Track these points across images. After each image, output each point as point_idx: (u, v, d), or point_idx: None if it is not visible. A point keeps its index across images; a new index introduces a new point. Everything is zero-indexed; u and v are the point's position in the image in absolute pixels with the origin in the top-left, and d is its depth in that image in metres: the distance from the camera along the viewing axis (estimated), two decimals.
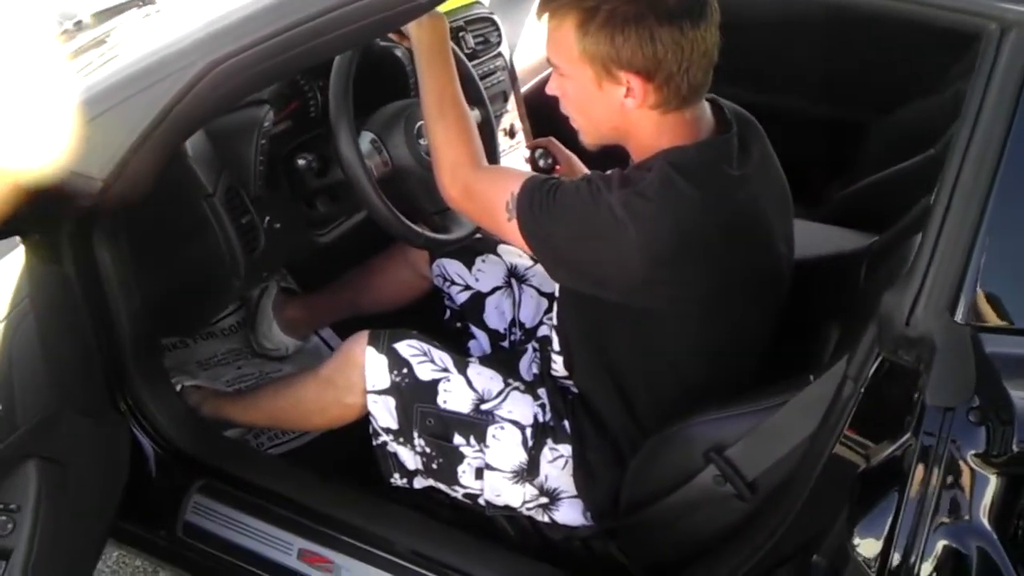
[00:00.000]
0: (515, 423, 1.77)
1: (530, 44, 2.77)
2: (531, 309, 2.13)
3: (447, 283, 2.19)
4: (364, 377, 1.80)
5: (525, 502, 1.79)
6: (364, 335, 1.84)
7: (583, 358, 1.77)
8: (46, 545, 1.50)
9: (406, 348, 1.81)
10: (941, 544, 1.21)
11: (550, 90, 1.63)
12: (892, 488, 1.24)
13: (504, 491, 1.78)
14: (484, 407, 1.78)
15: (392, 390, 1.79)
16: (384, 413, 1.80)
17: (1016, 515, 1.20)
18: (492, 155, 2.07)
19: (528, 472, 1.76)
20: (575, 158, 2.00)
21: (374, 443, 1.85)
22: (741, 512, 1.56)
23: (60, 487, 1.54)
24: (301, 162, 1.99)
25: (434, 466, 1.81)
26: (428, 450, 1.79)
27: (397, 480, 1.87)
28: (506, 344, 2.14)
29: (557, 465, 1.76)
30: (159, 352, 2.01)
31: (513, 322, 2.14)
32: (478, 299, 2.15)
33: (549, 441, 1.76)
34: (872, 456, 1.33)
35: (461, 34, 2.44)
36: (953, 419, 1.20)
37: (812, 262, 1.88)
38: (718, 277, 1.53)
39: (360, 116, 1.97)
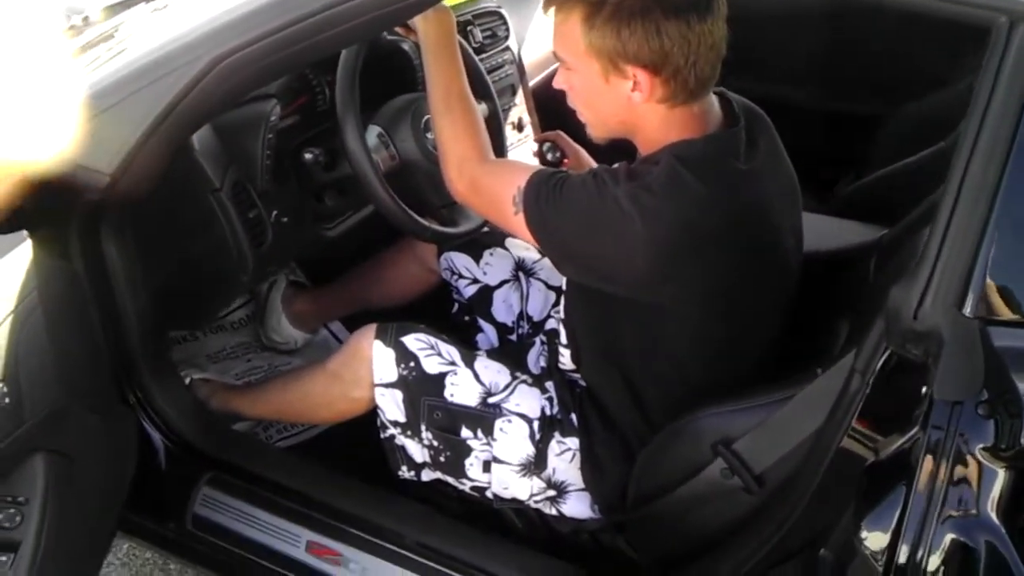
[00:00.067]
0: (522, 416, 1.77)
1: (538, 38, 2.77)
2: (539, 302, 2.13)
3: (455, 276, 2.19)
4: (371, 370, 1.81)
5: (533, 495, 1.79)
6: (371, 328, 1.84)
7: (590, 351, 1.77)
8: (53, 538, 1.50)
9: (413, 341, 1.80)
10: (949, 538, 1.20)
11: (557, 84, 1.63)
12: (900, 482, 1.24)
13: (511, 484, 1.79)
14: (491, 400, 1.78)
15: (399, 383, 1.79)
16: (392, 406, 1.80)
17: None
18: (499, 149, 2.07)
19: (535, 465, 1.76)
20: (583, 152, 2.00)
21: (382, 436, 1.85)
22: (749, 505, 1.56)
23: (67, 480, 1.54)
24: (308, 156, 1.99)
25: (441, 459, 1.81)
26: (436, 443, 1.80)
27: (405, 473, 1.87)
28: (514, 337, 2.14)
29: (565, 458, 1.76)
30: (168, 345, 2.02)
31: (521, 315, 2.14)
32: (486, 292, 2.15)
33: (557, 434, 1.76)
34: (880, 450, 1.33)
35: (469, 28, 2.44)
36: (961, 413, 1.20)
37: (822, 255, 1.88)
38: (725, 271, 1.53)
39: (368, 110, 1.97)
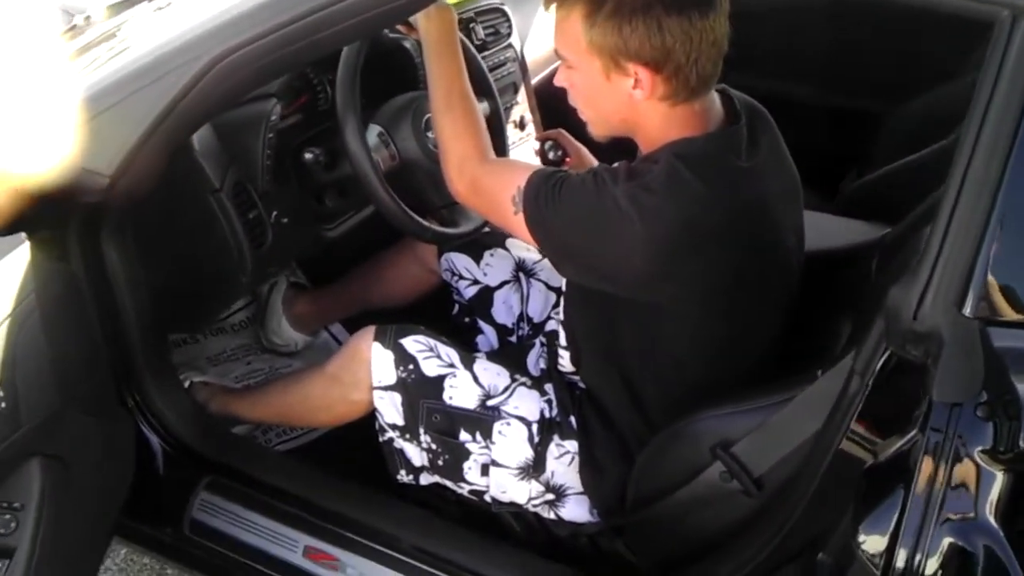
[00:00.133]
0: (521, 419, 1.76)
1: (541, 35, 2.76)
2: (539, 303, 2.12)
3: (455, 277, 2.18)
4: (370, 373, 1.80)
5: (531, 499, 1.78)
6: (370, 331, 1.83)
7: (590, 353, 1.76)
8: (49, 543, 1.50)
9: (412, 344, 1.79)
10: (947, 541, 1.19)
11: (558, 82, 1.62)
12: (898, 485, 1.22)
13: (510, 488, 1.77)
14: (490, 403, 1.77)
15: (398, 386, 1.78)
16: (390, 409, 1.79)
17: (1023, 512, 1.18)
18: (501, 148, 2.06)
19: (534, 468, 1.75)
20: (585, 150, 1.99)
21: (380, 439, 1.84)
22: (748, 508, 1.55)
23: (64, 485, 1.54)
24: (308, 156, 1.98)
25: (440, 462, 1.80)
26: (434, 446, 1.78)
27: (403, 477, 1.86)
28: (514, 339, 2.13)
29: (563, 461, 1.75)
30: (167, 348, 2.01)
31: (521, 316, 2.13)
32: (486, 293, 2.14)
33: (555, 437, 1.75)
34: (879, 452, 1.31)
35: (471, 25, 2.42)
36: (960, 415, 1.18)
37: (824, 254, 1.86)
38: (725, 270, 1.51)
39: (371, 109, 1.96)
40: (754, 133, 1.58)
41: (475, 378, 1.78)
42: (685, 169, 1.45)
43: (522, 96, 2.63)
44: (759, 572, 1.51)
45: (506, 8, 2.56)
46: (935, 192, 1.44)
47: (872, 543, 1.25)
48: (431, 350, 1.80)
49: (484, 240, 2.13)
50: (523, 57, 2.63)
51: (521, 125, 2.62)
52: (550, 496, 1.78)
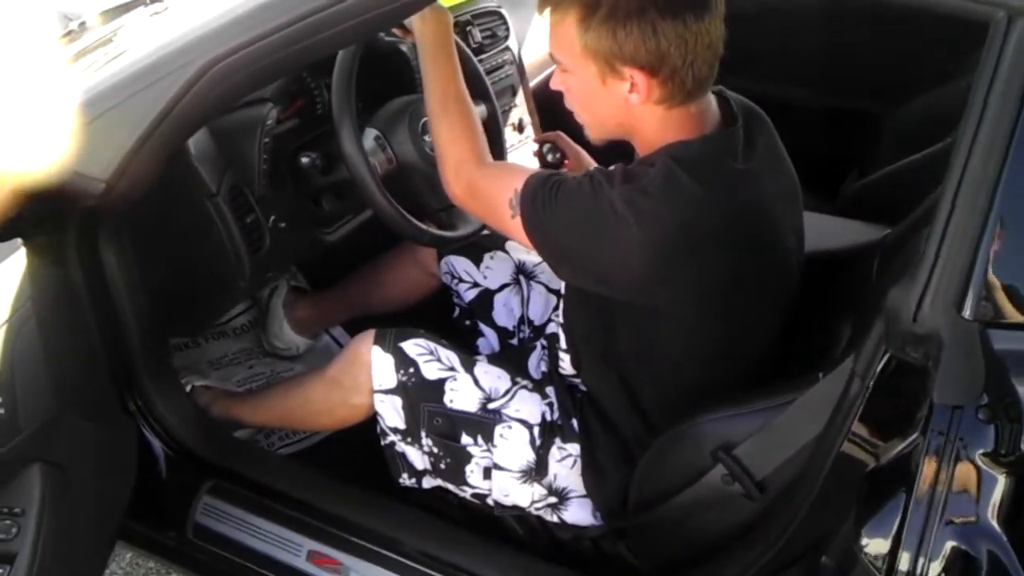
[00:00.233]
0: (523, 422, 1.75)
1: (539, 38, 2.75)
2: (540, 306, 2.12)
3: (455, 280, 2.17)
4: (371, 377, 1.79)
5: (534, 502, 1.78)
6: (370, 334, 1.83)
7: (590, 356, 1.76)
8: (50, 549, 1.50)
9: (412, 347, 1.79)
10: (949, 545, 1.19)
11: (554, 85, 1.62)
12: (900, 488, 1.22)
13: (512, 491, 1.77)
14: (491, 406, 1.76)
15: (399, 389, 1.78)
16: (391, 413, 1.79)
17: None
18: (498, 151, 2.05)
19: (536, 471, 1.75)
20: (583, 152, 1.98)
21: (382, 443, 1.84)
22: (751, 511, 1.54)
23: (65, 491, 1.53)
24: (305, 160, 1.98)
25: (442, 466, 1.79)
26: (436, 450, 1.78)
27: (406, 480, 1.85)
28: (515, 342, 2.13)
29: (566, 464, 1.75)
30: (168, 352, 2.01)
31: (522, 319, 2.13)
32: (486, 296, 2.14)
33: (557, 440, 1.75)
34: (881, 455, 1.31)
35: (468, 28, 2.42)
36: (961, 417, 1.18)
37: (824, 256, 1.86)
38: (723, 273, 1.51)
39: (368, 112, 1.96)
40: (751, 135, 1.57)
41: (476, 381, 1.78)
42: (681, 172, 1.45)
43: (520, 99, 2.63)
44: (762, 575, 1.50)
45: (503, 11, 2.55)
46: (935, 193, 1.44)
47: (874, 546, 1.25)
48: (431, 353, 1.79)
49: (484, 243, 2.13)
50: (521, 60, 2.63)
51: (520, 128, 2.61)
52: (552, 499, 1.77)
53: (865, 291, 1.64)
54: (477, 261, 2.15)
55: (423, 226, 1.90)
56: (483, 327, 2.15)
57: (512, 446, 1.75)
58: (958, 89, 2.38)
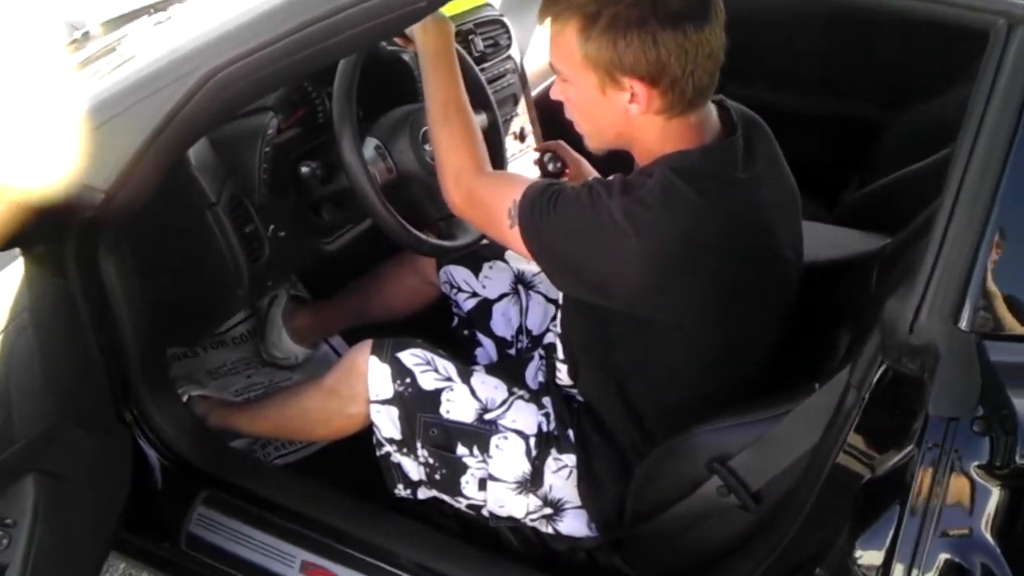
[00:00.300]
0: (518, 433, 1.74)
1: (541, 47, 2.75)
2: (538, 316, 2.11)
3: (454, 290, 2.17)
4: (367, 387, 1.79)
5: (529, 513, 1.77)
6: (367, 344, 1.82)
7: (587, 366, 1.75)
8: (42, 560, 1.49)
9: (409, 357, 1.79)
10: (943, 557, 1.18)
11: (554, 95, 1.61)
12: (895, 499, 1.21)
13: (507, 502, 1.76)
14: (487, 417, 1.76)
15: (395, 400, 1.77)
16: (387, 423, 1.79)
17: (1019, 528, 1.17)
18: (498, 160, 2.05)
19: (532, 483, 1.74)
20: (584, 161, 1.98)
21: (378, 453, 1.83)
22: (746, 523, 1.54)
23: (58, 502, 1.53)
24: (305, 170, 1.97)
25: (437, 477, 1.79)
26: (431, 460, 1.78)
27: (401, 491, 1.85)
28: (513, 352, 2.12)
29: (561, 475, 1.74)
30: (165, 362, 2.00)
31: (520, 329, 2.12)
32: (485, 306, 2.14)
33: (553, 451, 1.74)
34: (876, 466, 1.30)
35: (470, 37, 2.42)
36: (957, 429, 1.17)
37: (824, 265, 1.85)
38: (721, 282, 1.50)
39: (369, 121, 1.96)
40: (751, 144, 1.57)
41: (472, 392, 1.77)
42: (680, 182, 1.44)
43: (522, 108, 2.63)
44: None
45: (505, 20, 2.55)
46: (935, 202, 1.43)
47: (868, 558, 1.24)
48: (428, 363, 1.79)
49: (483, 252, 2.13)
50: (523, 69, 2.63)
51: (521, 137, 2.62)
52: (548, 510, 1.76)
53: (864, 301, 1.63)
54: (476, 271, 2.15)
55: (422, 236, 1.90)
56: (481, 337, 2.15)
57: (508, 457, 1.74)
58: (959, 98, 2.38)
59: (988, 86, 1.20)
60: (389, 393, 1.77)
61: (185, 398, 2.08)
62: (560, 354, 1.80)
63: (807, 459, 1.42)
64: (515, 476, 1.74)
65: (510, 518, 1.79)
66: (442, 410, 1.76)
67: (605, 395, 1.71)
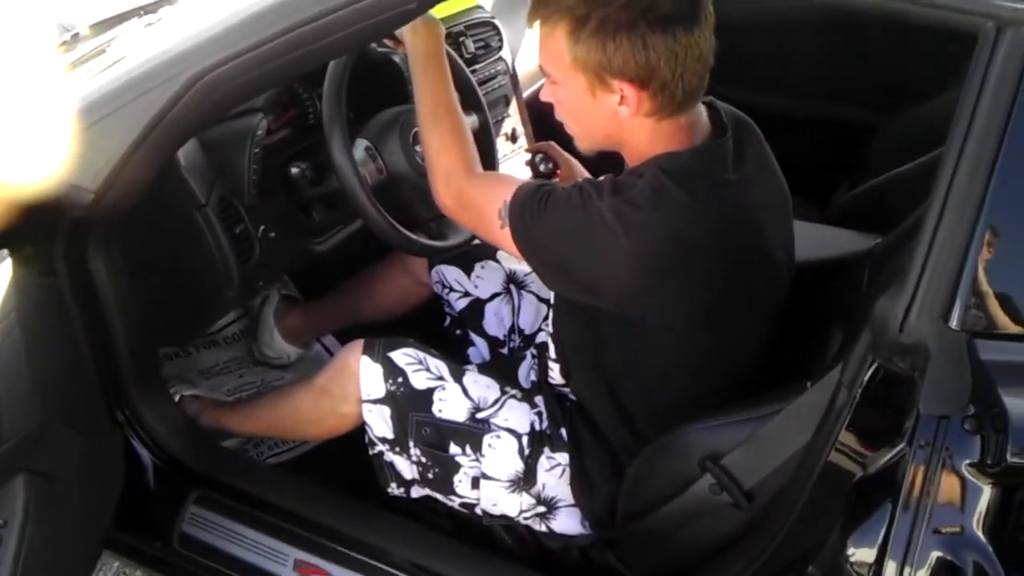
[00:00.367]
0: (511, 432, 1.75)
1: (533, 48, 2.75)
2: (530, 315, 2.11)
3: (446, 290, 2.17)
4: (359, 386, 1.79)
5: (522, 511, 1.77)
6: (359, 344, 1.82)
7: (579, 365, 1.75)
8: (33, 561, 1.49)
9: (401, 357, 1.79)
10: (935, 555, 1.18)
11: (544, 97, 1.62)
12: (886, 498, 1.21)
13: (501, 500, 1.77)
14: (480, 416, 1.76)
15: (387, 399, 1.77)
16: (380, 422, 1.79)
17: (1010, 526, 1.17)
18: (489, 162, 2.06)
19: (525, 481, 1.74)
20: (575, 162, 1.98)
21: (370, 453, 1.83)
22: (739, 521, 1.54)
23: (49, 502, 1.53)
24: (295, 171, 1.98)
25: (430, 476, 1.79)
26: (424, 459, 1.78)
27: (394, 490, 1.85)
28: (505, 351, 2.12)
29: (554, 474, 1.74)
30: (156, 362, 2.00)
31: (512, 329, 2.12)
32: (477, 305, 2.14)
33: (546, 450, 1.74)
34: (868, 464, 1.31)
35: (461, 39, 2.42)
36: (948, 428, 1.17)
37: (815, 264, 1.85)
38: (712, 283, 1.51)
39: (360, 122, 1.96)
40: (740, 145, 1.57)
41: (464, 391, 1.78)
42: (670, 183, 1.45)
43: (514, 109, 2.63)
44: None
45: (496, 22, 2.56)
46: (926, 203, 1.43)
47: (860, 555, 1.24)
48: (420, 363, 1.79)
49: (475, 252, 2.13)
50: (514, 70, 2.63)
51: (513, 138, 2.62)
52: (541, 508, 1.77)
53: (855, 300, 1.64)
54: (468, 270, 2.15)
55: (413, 236, 1.90)
56: (474, 336, 2.15)
57: (500, 456, 1.74)
58: (950, 100, 2.38)
59: (977, 88, 1.20)
60: (381, 392, 1.78)
61: (177, 398, 2.08)
62: (552, 353, 1.80)
63: (799, 457, 1.43)
64: (508, 475, 1.74)
65: (503, 516, 1.79)
66: (434, 409, 1.76)
67: (596, 395, 1.72)
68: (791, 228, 1.70)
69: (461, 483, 1.77)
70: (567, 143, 1.77)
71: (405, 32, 1.77)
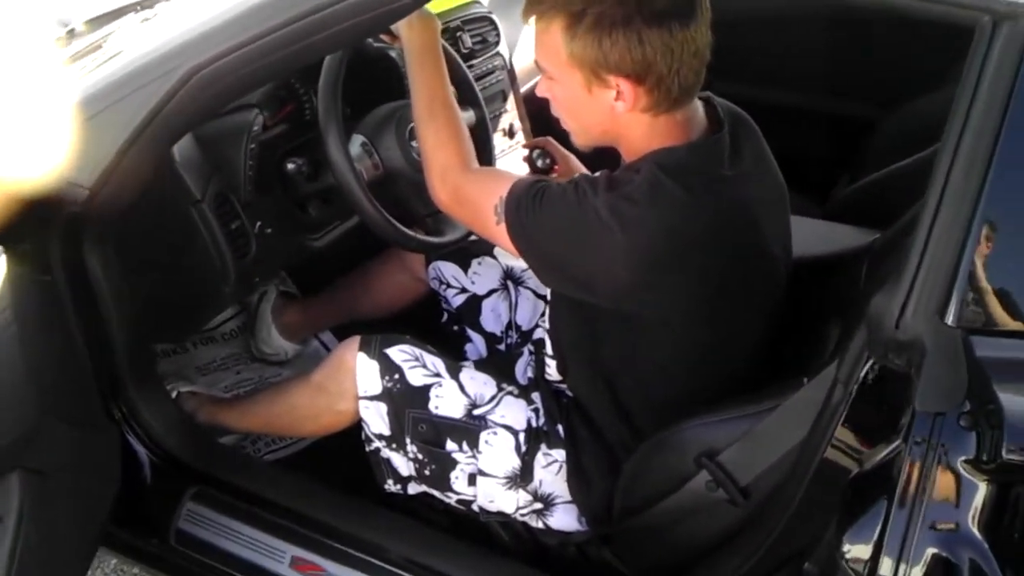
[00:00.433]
0: (508, 428, 1.75)
1: (531, 43, 2.74)
2: (527, 311, 2.11)
3: (443, 286, 2.17)
4: (356, 383, 1.79)
5: (519, 508, 1.77)
6: (356, 340, 1.82)
7: (576, 362, 1.75)
8: (29, 557, 1.49)
9: (398, 353, 1.79)
10: (930, 552, 1.18)
11: (540, 93, 1.61)
12: (882, 494, 1.21)
13: (497, 497, 1.76)
14: (477, 412, 1.76)
15: (384, 396, 1.77)
16: (376, 419, 1.78)
17: (1006, 522, 1.17)
18: (486, 157, 2.05)
19: (521, 478, 1.74)
20: (573, 158, 1.98)
21: (367, 449, 1.83)
22: (735, 517, 1.54)
23: (44, 498, 1.53)
24: (291, 167, 1.97)
25: (427, 472, 1.79)
26: (421, 456, 1.77)
27: (391, 486, 1.85)
28: (502, 347, 2.12)
29: (551, 470, 1.74)
30: (153, 358, 2.00)
31: (509, 325, 2.12)
32: (474, 302, 2.14)
33: (543, 446, 1.74)
34: (864, 461, 1.30)
35: (458, 34, 2.41)
36: (943, 424, 1.17)
37: (813, 260, 1.85)
38: (709, 279, 1.50)
39: (356, 118, 1.95)
40: (737, 141, 1.57)
41: (461, 387, 1.77)
42: (666, 178, 1.44)
43: (511, 104, 2.62)
44: None
45: (494, 17, 2.55)
46: (924, 198, 1.43)
47: (856, 552, 1.24)
48: (417, 359, 1.79)
49: (472, 248, 2.12)
50: (511, 65, 2.62)
51: (510, 133, 2.61)
52: (538, 505, 1.77)
53: (853, 296, 1.63)
54: (465, 266, 2.15)
55: (410, 232, 1.90)
56: (471, 332, 2.15)
57: (497, 452, 1.74)
58: (948, 95, 2.38)
59: (973, 82, 1.20)
60: (378, 389, 1.77)
61: (174, 394, 2.08)
62: (549, 349, 1.80)
63: (795, 454, 1.42)
64: (505, 471, 1.74)
65: (500, 513, 1.79)
66: (431, 406, 1.76)
67: (593, 391, 1.71)
68: (788, 224, 1.70)
69: (458, 480, 1.77)
70: (564, 139, 1.76)
71: (401, 27, 1.76)
